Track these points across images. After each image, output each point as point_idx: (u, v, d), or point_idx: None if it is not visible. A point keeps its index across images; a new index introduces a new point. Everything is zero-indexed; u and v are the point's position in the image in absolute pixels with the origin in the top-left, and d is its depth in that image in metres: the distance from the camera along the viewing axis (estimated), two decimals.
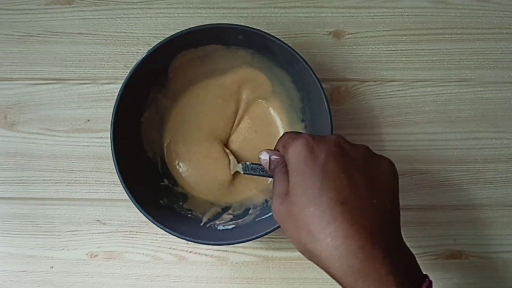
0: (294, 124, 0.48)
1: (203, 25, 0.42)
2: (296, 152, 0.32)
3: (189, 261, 0.50)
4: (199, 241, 0.43)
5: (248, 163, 0.44)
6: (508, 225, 0.50)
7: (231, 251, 0.50)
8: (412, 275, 0.30)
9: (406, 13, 0.51)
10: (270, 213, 0.46)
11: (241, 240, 0.43)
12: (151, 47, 0.42)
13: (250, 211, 0.47)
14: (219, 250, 0.50)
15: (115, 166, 0.41)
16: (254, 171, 0.43)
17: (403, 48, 0.51)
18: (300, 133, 0.35)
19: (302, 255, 0.49)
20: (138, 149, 0.46)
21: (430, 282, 0.30)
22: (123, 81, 0.42)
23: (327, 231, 0.29)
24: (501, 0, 0.51)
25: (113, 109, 0.41)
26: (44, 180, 0.50)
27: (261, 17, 0.51)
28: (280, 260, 0.50)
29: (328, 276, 0.49)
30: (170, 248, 0.50)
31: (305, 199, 0.30)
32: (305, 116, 0.47)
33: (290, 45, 0.42)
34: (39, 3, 0.51)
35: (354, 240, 0.29)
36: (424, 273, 0.31)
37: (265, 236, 0.43)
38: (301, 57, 0.42)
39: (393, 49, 0.51)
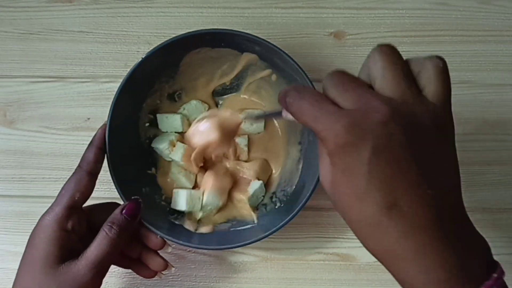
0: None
1: (223, 29, 0.43)
2: (333, 144, 0.25)
3: (187, 260, 0.50)
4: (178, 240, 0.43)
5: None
6: (507, 228, 0.50)
7: (229, 251, 0.50)
8: (475, 269, 0.26)
9: (407, 15, 0.51)
10: (248, 226, 0.46)
11: (220, 247, 0.44)
12: (163, 41, 0.42)
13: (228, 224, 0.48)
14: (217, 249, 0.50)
15: (107, 153, 0.42)
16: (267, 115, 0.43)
17: (404, 50, 0.50)
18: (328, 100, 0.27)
19: (301, 256, 0.50)
20: (133, 135, 0.47)
21: (502, 272, 0.26)
22: (126, 74, 0.42)
23: (374, 237, 0.26)
24: (502, 3, 0.51)
25: (118, 89, 0.41)
26: (43, 178, 0.50)
27: (262, 17, 0.51)
28: (278, 260, 0.50)
29: (327, 277, 0.49)
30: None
31: (349, 201, 0.26)
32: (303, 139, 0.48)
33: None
34: (39, 0, 0.51)
35: (403, 246, 0.25)
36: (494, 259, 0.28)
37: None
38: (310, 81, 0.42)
39: None
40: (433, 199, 0.25)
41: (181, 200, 0.46)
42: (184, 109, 0.48)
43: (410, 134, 0.25)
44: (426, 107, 0.26)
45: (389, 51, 0.27)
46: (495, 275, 0.26)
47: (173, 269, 0.44)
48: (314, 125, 0.26)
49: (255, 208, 0.47)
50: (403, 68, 0.27)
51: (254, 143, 0.49)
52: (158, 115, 0.48)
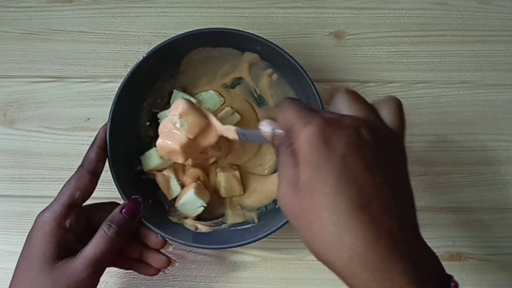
0: None
1: (225, 28, 0.43)
2: (308, 141, 0.27)
3: (187, 260, 0.50)
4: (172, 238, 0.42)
5: (240, 129, 0.39)
6: (507, 228, 0.50)
7: (229, 251, 0.50)
8: (435, 278, 0.27)
9: (407, 15, 0.51)
10: (248, 226, 0.46)
11: (219, 246, 0.43)
12: (164, 41, 0.42)
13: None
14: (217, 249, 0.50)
15: (107, 153, 0.42)
16: (252, 138, 0.38)
17: (404, 50, 0.51)
18: (309, 108, 0.29)
19: (301, 256, 0.50)
20: (134, 134, 0.46)
21: (456, 284, 0.27)
22: (127, 73, 0.42)
23: (344, 240, 0.26)
24: (502, 3, 0.51)
25: (119, 88, 0.41)
26: (43, 178, 0.50)
27: (262, 17, 0.51)
28: (278, 260, 0.50)
29: (327, 277, 0.49)
30: None
31: (318, 201, 0.26)
32: None
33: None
34: (40, 0, 0.51)
35: (374, 250, 0.25)
36: (448, 273, 0.28)
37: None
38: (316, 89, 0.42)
39: (393, 50, 0.51)
40: (396, 207, 0.26)
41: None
42: (200, 95, 0.48)
43: (376, 139, 0.27)
44: (386, 127, 0.29)
45: (354, 93, 0.30)
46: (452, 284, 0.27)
47: (176, 264, 0.44)
48: (294, 124, 0.28)
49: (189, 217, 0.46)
50: (365, 102, 0.30)
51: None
52: (174, 90, 0.47)
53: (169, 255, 0.43)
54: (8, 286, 0.38)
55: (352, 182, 0.26)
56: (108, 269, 0.40)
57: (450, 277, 0.27)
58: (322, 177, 0.26)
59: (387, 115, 0.30)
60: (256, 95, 0.49)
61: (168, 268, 0.43)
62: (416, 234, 0.28)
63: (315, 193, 0.26)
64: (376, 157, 0.27)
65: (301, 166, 0.27)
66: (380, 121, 0.29)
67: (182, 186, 0.47)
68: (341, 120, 0.27)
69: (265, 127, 0.31)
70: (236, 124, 0.46)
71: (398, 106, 0.30)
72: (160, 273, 0.43)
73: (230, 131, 0.40)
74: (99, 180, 0.41)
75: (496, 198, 0.50)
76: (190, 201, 0.45)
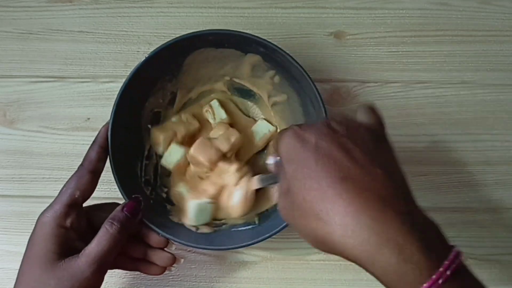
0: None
1: (228, 30, 0.43)
2: (285, 144, 0.30)
3: (187, 260, 0.50)
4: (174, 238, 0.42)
5: (261, 176, 0.43)
6: (507, 228, 0.50)
7: (230, 251, 0.50)
8: (436, 244, 0.27)
9: (407, 15, 0.51)
10: (249, 227, 0.46)
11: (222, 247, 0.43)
12: (167, 41, 0.42)
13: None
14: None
15: (109, 152, 0.42)
16: (268, 181, 0.42)
17: (404, 50, 0.51)
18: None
19: (301, 256, 0.50)
20: (135, 133, 0.46)
21: (458, 252, 0.27)
22: (127, 75, 0.42)
23: (334, 210, 0.27)
24: (502, 3, 0.51)
25: (121, 87, 0.42)
26: (43, 178, 0.50)
27: (262, 17, 0.51)
28: (278, 260, 0.50)
29: (327, 277, 0.49)
30: None
31: (303, 186, 0.29)
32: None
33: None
34: (39, 0, 0.51)
35: (364, 213, 0.26)
36: (450, 244, 0.28)
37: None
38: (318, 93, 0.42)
39: (394, 50, 0.51)
40: (385, 175, 0.28)
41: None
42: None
43: (347, 129, 0.30)
44: (362, 124, 0.31)
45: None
46: (455, 250, 0.27)
47: (182, 260, 0.44)
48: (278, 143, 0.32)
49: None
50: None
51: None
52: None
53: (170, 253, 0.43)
54: (8, 286, 0.38)
55: (329, 161, 0.28)
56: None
57: (451, 246, 0.28)
58: (301, 165, 0.29)
59: (362, 117, 0.32)
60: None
61: (173, 265, 0.43)
62: (411, 199, 0.29)
63: (299, 181, 0.29)
64: (351, 139, 0.29)
65: (285, 167, 0.30)
66: (354, 121, 0.32)
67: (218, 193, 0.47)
68: (313, 124, 0.31)
69: (270, 160, 0.35)
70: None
71: (369, 107, 0.33)
72: (166, 271, 0.43)
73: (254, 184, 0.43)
74: (100, 180, 0.41)
75: (496, 198, 0.50)
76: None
